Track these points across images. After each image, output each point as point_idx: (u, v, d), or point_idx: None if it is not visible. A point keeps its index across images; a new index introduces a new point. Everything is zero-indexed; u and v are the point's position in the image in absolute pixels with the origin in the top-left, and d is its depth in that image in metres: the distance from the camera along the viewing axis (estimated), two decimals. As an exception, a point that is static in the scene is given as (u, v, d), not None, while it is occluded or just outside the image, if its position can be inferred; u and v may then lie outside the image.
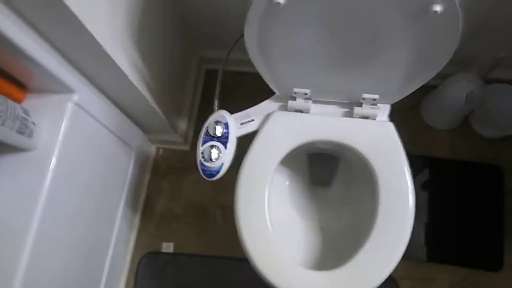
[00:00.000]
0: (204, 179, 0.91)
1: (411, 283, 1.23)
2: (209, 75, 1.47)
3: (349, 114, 0.92)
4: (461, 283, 1.23)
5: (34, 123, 0.81)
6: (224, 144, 0.91)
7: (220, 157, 0.90)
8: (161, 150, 1.42)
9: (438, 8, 0.63)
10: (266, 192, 0.86)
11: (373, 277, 0.79)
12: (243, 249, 0.82)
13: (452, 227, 1.28)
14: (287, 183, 1.05)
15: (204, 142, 0.91)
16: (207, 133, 0.92)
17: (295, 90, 0.90)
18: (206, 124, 0.93)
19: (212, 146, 0.90)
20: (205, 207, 1.33)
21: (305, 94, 0.90)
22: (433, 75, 0.79)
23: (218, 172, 0.90)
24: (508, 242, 1.24)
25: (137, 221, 1.33)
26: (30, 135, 0.80)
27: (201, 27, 1.26)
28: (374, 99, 0.88)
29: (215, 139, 0.91)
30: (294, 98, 0.92)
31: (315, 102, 0.93)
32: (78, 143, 0.93)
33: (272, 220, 0.85)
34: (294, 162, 1.03)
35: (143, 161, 1.35)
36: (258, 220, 0.84)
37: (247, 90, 1.37)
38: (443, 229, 1.28)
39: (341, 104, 0.93)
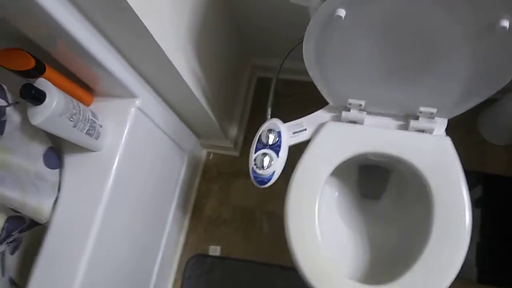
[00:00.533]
0: (253, 186, 0.92)
1: (462, 304, 1.19)
2: (260, 83, 1.50)
3: (405, 127, 0.91)
4: (514, 307, 1.17)
5: (101, 126, 0.86)
6: (276, 152, 0.92)
7: (271, 165, 0.90)
8: (211, 155, 1.45)
9: (506, 23, 0.61)
10: (317, 203, 0.86)
11: (425, 296, 0.77)
12: (293, 259, 0.83)
13: (505, 248, 1.22)
14: (336, 194, 1.05)
15: (257, 150, 0.93)
16: (259, 141, 0.93)
17: (350, 101, 0.90)
18: (259, 132, 0.95)
19: (264, 154, 0.91)
20: (252, 213, 1.35)
21: (360, 105, 0.90)
22: (496, 91, 0.76)
23: (269, 179, 0.91)
24: None
25: (186, 222, 1.37)
26: (97, 137, 0.85)
27: (254, 37, 1.29)
28: (432, 113, 0.87)
29: (268, 147, 0.92)
30: (348, 109, 0.92)
31: (369, 113, 0.93)
32: (138, 146, 0.98)
33: (322, 230, 0.85)
34: (344, 172, 1.03)
35: (195, 164, 1.39)
36: (308, 231, 0.85)
37: (298, 99, 1.40)
38: (496, 250, 1.22)
39: (396, 117, 0.92)
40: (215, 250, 1.33)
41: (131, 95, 0.92)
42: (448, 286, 0.77)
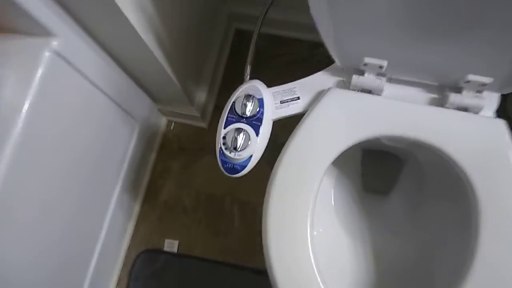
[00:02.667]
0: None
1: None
2: (238, 37, 1.23)
3: (440, 102, 0.66)
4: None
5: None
6: (256, 128, 0.66)
7: (248, 146, 0.65)
8: (173, 124, 1.20)
9: None
10: (311, 205, 0.61)
11: None
12: (269, 277, 0.60)
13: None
14: (333, 186, 0.80)
15: (228, 123, 0.67)
16: (233, 110, 0.67)
17: (367, 60, 0.63)
18: (233, 97, 0.68)
19: (238, 130, 0.66)
20: (221, 201, 1.11)
21: (380, 67, 0.63)
22: None
23: (243, 167, 0.66)
24: None
25: (136, 209, 1.13)
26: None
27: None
28: (484, 84, 0.61)
29: (244, 120, 0.67)
30: (362, 72, 0.66)
31: (390, 80, 0.67)
32: (58, 105, 0.72)
33: (312, 239, 0.60)
34: (344, 159, 0.78)
35: (150, 136, 1.13)
36: (294, 241, 0.60)
37: (287, 60, 1.17)
38: None
39: (428, 87, 0.67)
40: (171, 245, 1.10)
41: (45, 33, 0.65)
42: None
